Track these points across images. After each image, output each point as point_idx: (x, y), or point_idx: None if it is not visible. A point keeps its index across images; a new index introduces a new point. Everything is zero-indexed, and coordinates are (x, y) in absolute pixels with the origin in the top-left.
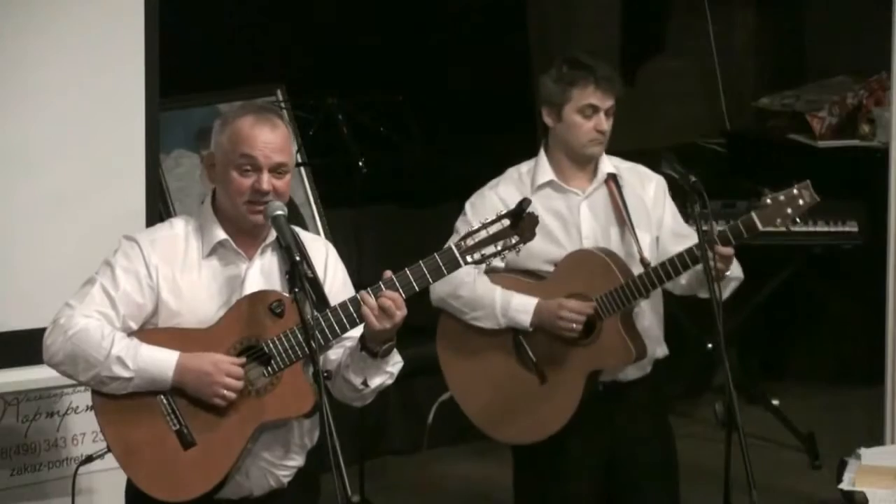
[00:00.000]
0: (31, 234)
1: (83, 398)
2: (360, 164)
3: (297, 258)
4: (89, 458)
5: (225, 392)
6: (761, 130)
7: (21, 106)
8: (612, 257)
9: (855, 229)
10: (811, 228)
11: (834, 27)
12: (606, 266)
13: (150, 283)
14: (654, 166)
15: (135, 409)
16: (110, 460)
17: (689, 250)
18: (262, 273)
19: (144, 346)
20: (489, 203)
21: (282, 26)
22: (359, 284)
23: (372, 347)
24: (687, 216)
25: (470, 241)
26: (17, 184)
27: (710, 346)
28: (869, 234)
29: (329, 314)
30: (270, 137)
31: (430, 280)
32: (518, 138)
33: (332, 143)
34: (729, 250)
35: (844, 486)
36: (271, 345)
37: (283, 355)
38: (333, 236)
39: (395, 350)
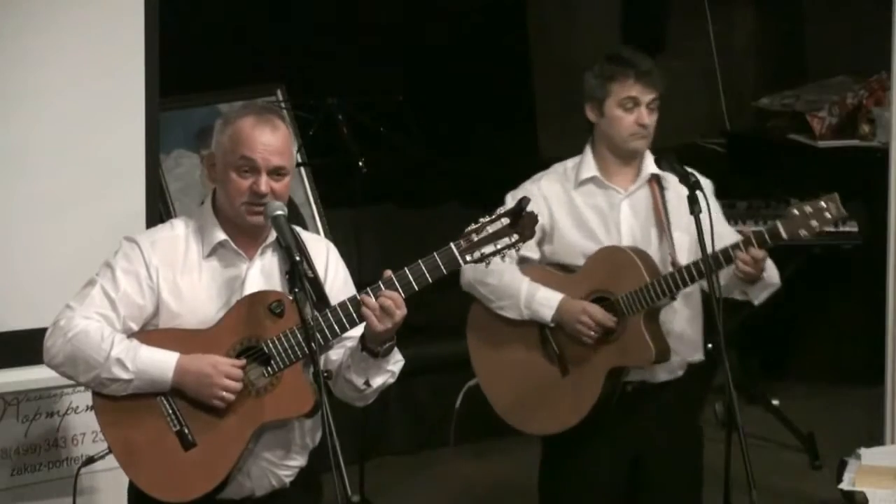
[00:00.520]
0: (31, 234)
1: (83, 398)
2: (360, 164)
3: (297, 258)
4: (91, 460)
5: (224, 393)
6: (761, 130)
7: (21, 106)
8: (640, 256)
9: (855, 229)
10: None
11: (834, 27)
12: (634, 264)
13: (151, 285)
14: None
15: (135, 411)
16: (111, 460)
17: (719, 252)
18: (263, 273)
19: (144, 348)
20: (531, 197)
21: (282, 26)
22: (359, 284)
23: (372, 347)
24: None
25: (469, 240)
26: (17, 184)
27: (709, 346)
28: (869, 234)
29: (329, 314)
30: (270, 139)
31: (430, 279)
32: (518, 138)
33: (332, 143)
34: (761, 252)
35: (844, 486)
36: (271, 345)
37: (283, 355)
38: (333, 236)
39: (395, 349)
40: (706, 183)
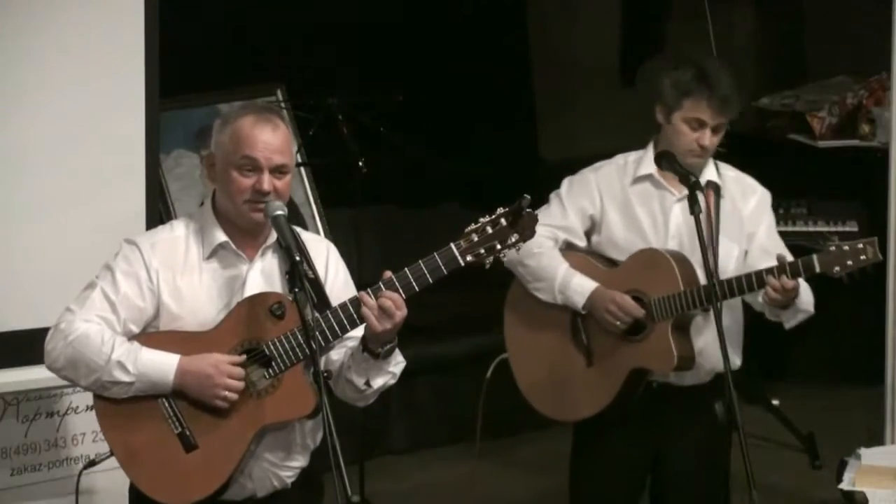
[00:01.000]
0: (31, 234)
1: (83, 398)
2: (360, 164)
3: (297, 258)
4: (92, 463)
5: (226, 393)
6: (761, 130)
7: (21, 106)
8: (680, 263)
9: (855, 229)
10: (811, 228)
11: (834, 27)
12: (671, 270)
13: (151, 287)
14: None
15: (136, 413)
16: (112, 460)
17: (752, 274)
18: (263, 274)
19: (145, 350)
20: (585, 185)
21: (282, 26)
22: (359, 284)
23: (373, 348)
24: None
25: (469, 240)
26: (17, 184)
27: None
28: (869, 234)
29: (329, 315)
30: (271, 138)
31: (430, 280)
32: (518, 138)
33: (332, 143)
34: (791, 282)
35: (844, 486)
36: (272, 346)
37: (284, 357)
38: (333, 236)
39: (397, 350)
40: (764, 193)
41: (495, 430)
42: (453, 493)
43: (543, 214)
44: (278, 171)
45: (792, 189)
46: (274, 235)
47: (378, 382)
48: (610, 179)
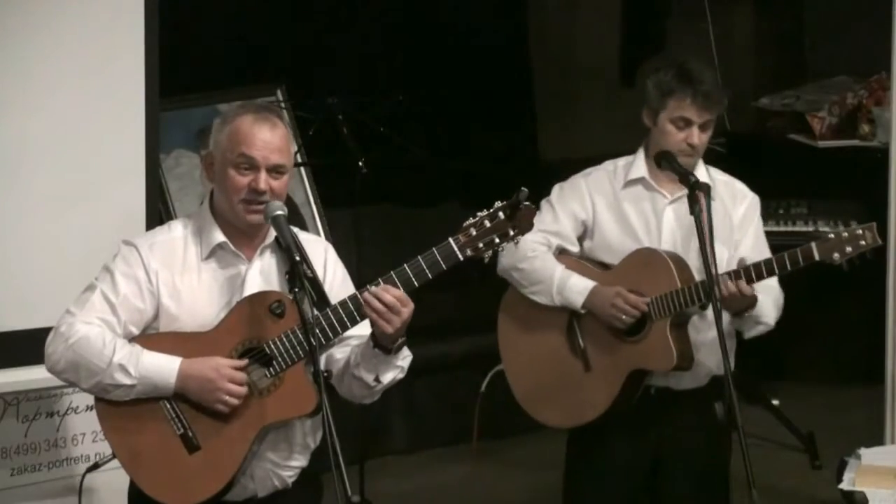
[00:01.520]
0: (31, 234)
1: (83, 398)
2: (360, 164)
3: (297, 258)
4: (96, 465)
5: (228, 398)
6: (761, 130)
7: (21, 105)
8: (676, 262)
9: None
10: (811, 228)
11: (834, 27)
12: (667, 268)
13: (151, 288)
14: None
15: (138, 415)
16: (113, 461)
17: (751, 266)
18: (262, 274)
19: (146, 353)
20: (576, 190)
21: (282, 26)
22: (359, 284)
23: (385, 345)
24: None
25: (468, 235)
26: (16, 184)
27: None
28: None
29: (329, 313)
30: (269, 137)
31: (429, 275)
32: (518, 138)
33: (332, 143)
34: (748, 288)
35: (844, 486)
36: (272, 345)
37: (285, 355)
38: (333, 236)
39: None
40: (754, 199)
41: (495, 431)
42: (453, 493)
43: (535, 221)
44: (276, 170)
45: (792, 189)
46: (272, 235)
47: (387, 377)
48: (601, 184)
